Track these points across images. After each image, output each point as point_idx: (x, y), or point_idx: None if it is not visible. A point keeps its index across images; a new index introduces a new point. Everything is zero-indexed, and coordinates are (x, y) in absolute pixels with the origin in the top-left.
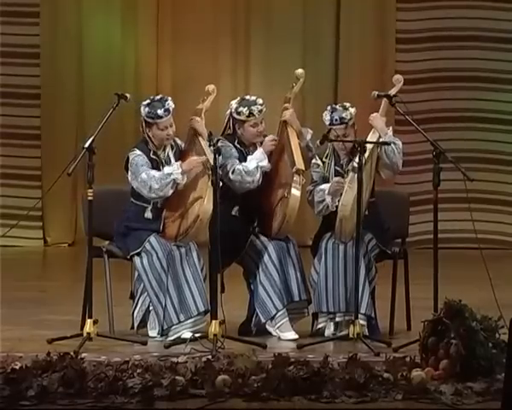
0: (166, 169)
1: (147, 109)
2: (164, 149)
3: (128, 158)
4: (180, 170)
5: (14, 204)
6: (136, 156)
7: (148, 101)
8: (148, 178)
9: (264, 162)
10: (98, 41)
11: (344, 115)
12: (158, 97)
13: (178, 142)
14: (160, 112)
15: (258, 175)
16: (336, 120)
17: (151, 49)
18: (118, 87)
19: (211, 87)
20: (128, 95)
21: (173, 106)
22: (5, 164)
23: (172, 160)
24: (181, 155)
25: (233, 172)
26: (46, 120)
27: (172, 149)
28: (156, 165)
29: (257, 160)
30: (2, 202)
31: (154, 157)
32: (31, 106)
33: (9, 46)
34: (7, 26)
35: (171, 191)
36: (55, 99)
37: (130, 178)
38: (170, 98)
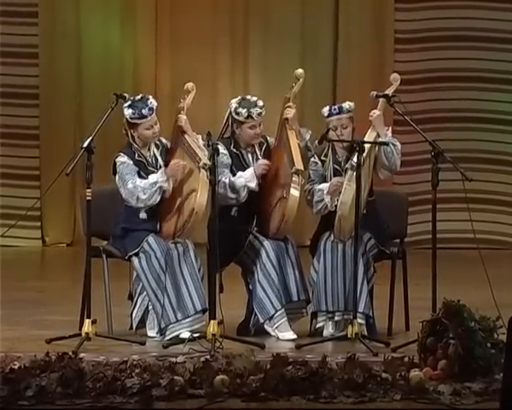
0: (151, 177)
1: (130, 111)
2: (149, 149)
3: (115, 163)
4: (165, 177)
5: (12, 204)
6: (121, 164)
7: (128, 102)
8: (135, 189)
9: (253, 184)
10: (97, 41)
11: (343, 105)
12: (139, 97)
13: (164, 141)
14: (144, 112)
15: (243, 194)
16: (335, 109)
17: (150, 50)
18: (116, 87)
19: (190, 85)
20: (126, 95)
21: (156, 104)
22: (4, 164)
23: (159, 158)
24: (168, 154)
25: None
26: (45, 119)
27: (158, 149)
28: (143, 166)
29: (246, 179)
30: (1, 201)
31: (139, 159)
32: (29, 106)
33: (8, 46)
34: (5, 26)
35: (158, 198)
36: (53, 99)
37: (117, 185)
38: (151, 96)
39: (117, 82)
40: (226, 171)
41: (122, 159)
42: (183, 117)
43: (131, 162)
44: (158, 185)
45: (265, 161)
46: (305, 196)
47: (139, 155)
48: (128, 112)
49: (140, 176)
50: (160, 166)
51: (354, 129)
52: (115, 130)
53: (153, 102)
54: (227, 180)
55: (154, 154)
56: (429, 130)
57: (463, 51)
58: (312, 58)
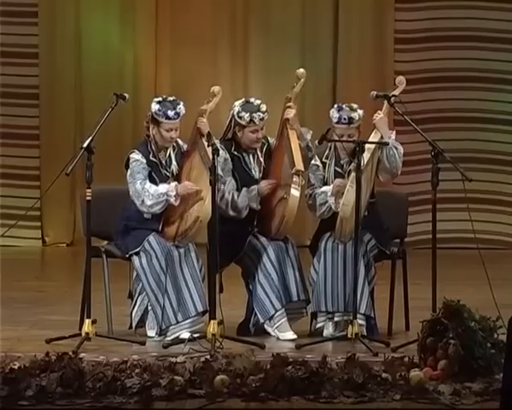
0: (162, 187)
1: (158, 106)
2: (165, 149)
3: (128, 158)
4: (174, 192)
5: (12, 204)
6: (135, 161)
7: (160, 98)
8: (143, 192)
9: (255, 205)
10: (97, 41)
11: (353, 116)
12: (171, 98)
13: (180, 143)
14: (170, 113)
15: (243, 213)
16: (345, 119)
17: (149, 50)
18: (116, 88)
19: (216, 89)
20: (126, 95)
21: (184, 112)
22: (4, 164)
23: (174, 161)
24: (183, 156)
25: (221, 199)
26: (45, 119)
27: (174, 150)
28: (156, 168)
29: (249, 200)
30: (1, 201)
31: (153, 159)
32: (29, 106)
33: (8, 46)
34: (5, 26)
35: (161, 210)
36: (53, 99)
37: (127, 181)
38: (182, 103)
39: (117, 82)
40: (228, 180)
41: (136, 156)
42: (203, 120)
43: (145, 161)
44: (165, 198)
45: (269, 181)
46: (306, 200)
47: (154, 156)
48: (155, 107)
49: (151, 177)
50: (173, 172)
51: (360, 133)
52: (115, 130)
53: (182, 108)
54: (229, 197)
55: (170, 155)
56: (429, 130)
57: (463, 51)
58: (312, 58)
